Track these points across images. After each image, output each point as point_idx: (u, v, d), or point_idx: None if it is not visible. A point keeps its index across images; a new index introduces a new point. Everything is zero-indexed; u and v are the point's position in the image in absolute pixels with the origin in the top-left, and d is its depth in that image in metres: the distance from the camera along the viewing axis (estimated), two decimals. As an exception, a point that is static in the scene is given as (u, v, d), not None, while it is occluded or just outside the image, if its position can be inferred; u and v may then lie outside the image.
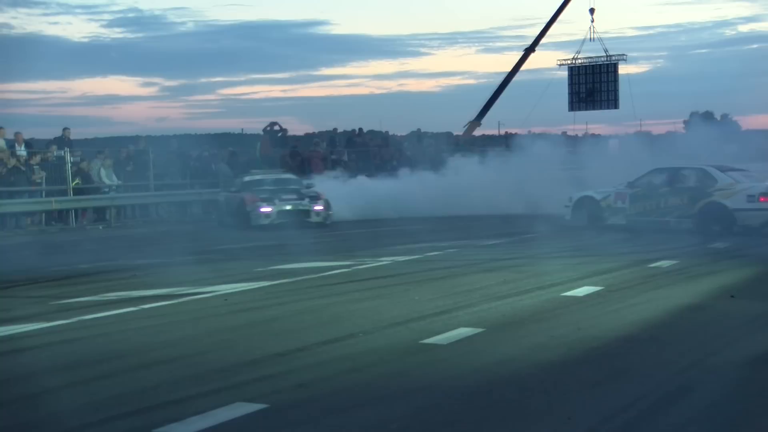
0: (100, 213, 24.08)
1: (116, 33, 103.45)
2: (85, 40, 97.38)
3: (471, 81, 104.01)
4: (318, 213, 21.06)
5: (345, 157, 30.37)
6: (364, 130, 34.27)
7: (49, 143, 24.75)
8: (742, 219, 18.31)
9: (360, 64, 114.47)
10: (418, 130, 35.70)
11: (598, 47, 42.20)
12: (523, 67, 40.59)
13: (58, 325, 8.19)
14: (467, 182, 25.99)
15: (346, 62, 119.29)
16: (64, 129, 24.65)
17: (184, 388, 5.81)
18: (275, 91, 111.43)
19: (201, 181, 26.52)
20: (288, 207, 20.92)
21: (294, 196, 21.22)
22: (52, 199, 22.48)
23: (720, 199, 18.59)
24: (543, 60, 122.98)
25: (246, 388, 5.76)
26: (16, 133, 23.14)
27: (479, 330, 7.62)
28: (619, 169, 22.51)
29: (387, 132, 36.25)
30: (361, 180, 26.68)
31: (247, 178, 22.53)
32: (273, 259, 13.78)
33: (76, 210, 23.47)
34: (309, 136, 39.53)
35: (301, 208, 20.98)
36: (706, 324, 7.98)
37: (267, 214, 20.69)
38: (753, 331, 7.65)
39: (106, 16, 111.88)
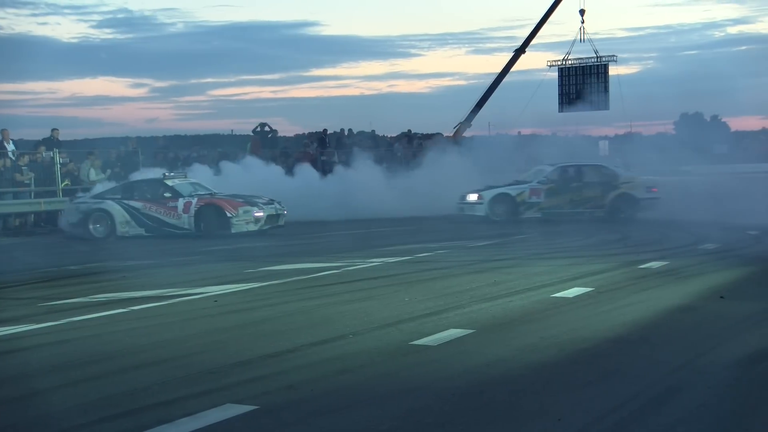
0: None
1: (106, 34, 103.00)
2: (75, 40, 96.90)
3: (461, 82, 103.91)
4: (283, 217, 20.10)
5: (335, 158, 30.36)
6: (354, 131, 34.28)
7: (37, 144, 24.64)
8: (645, 206, 22.24)
9: (350, 65, 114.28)
10: (409, 131, 35.70)
11: (589, 48, 42.29)
12: (514, 68, 40.62)
13: (48, 327, 8.16)
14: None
15: (337, 63, 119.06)
16: (53, 130, 24.54)
17: (174, 389, 5.79)
18: (265, 92, 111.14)
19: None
20: (272, 211, 19.67)
21: (265, 200, 19.87)
22: (41, 200, 22.39)
23: (628, 190, 22.41)
24: (533, 61, 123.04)
25: (236, 390, 5.75)
26: (2, 130, 22.99)
27: (469, 331, 7.62)
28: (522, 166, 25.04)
29: (374, 131, 36.23)
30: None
31: (177, 182, 19.96)
32: (263, 261, 13.76)
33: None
34: (299, 137, 39.50)
35: (278, 212, 19.83)
36: (696, 325, 8.00)
37: (258, 219, 19.13)
38: (743, 332, 7.67)
39: (96, 17, 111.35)
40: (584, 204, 22.48)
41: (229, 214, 19.01)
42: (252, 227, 19.10)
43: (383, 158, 30.72)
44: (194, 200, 19.39)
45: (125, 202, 19.60)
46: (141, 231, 19.36)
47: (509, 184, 23.04)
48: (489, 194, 22.35)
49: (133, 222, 19.44)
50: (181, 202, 19.39)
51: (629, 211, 22.20)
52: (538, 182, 22.49)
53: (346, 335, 7.51)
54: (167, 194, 19.61)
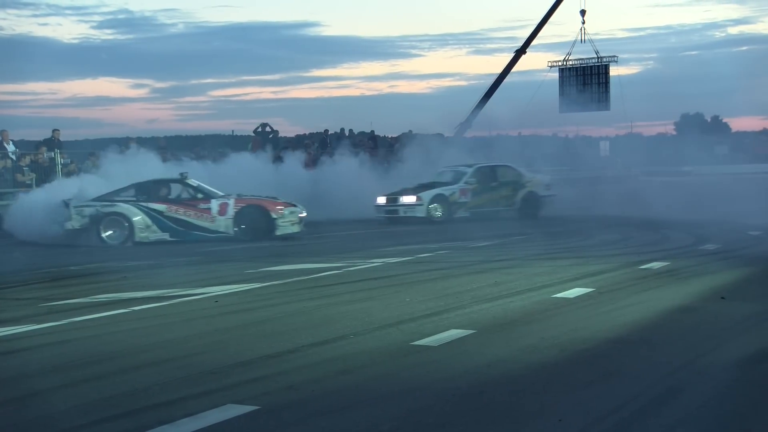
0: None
1: (106, 34, 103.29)
2: (75, 41, 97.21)
3: (462, 82, 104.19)
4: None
5: (336, 158, 30.32)
6: (355, 132, 34.31)
7: (38, 144, 24.67)
8: (546, 203, 24.10)
9: (350, 65, 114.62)
10: (409, 131, 35.70)
11: (589, 49, 42.40)
12: (514, 68, 40.66)
13: (48, 327, 8.16)
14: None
15: (337, 64, 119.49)
16: (54, 130, 24.59)
17: (174, 389, 5.79)
18: (266, 93, 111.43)
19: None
20: (305, 212, 18.70)
21: (288, 201, 18.93)
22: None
23: (533, 188, 24.26)
24: (534, 62, 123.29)
25: (237, 390, 5.75)
26: (2, 131, 23.00)
27: (470, 331, 7.62)
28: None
29: (373, 132, 36.19)
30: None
31: (197, 182, 18.74)
32: (263, 261, 13.76)
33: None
34: (300, 138, 39.47)
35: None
36: (697, 325, 7.99)
37: (301, 219, 18.20)
38: (743, 333, 7.67)
39: (97, 18, 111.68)
40: (500, 202, 23.98)
41: (274, 216, 17.90)
42: (295, 228, 18.10)
43: (384, 158, 30.69)
44: (231, 201, 18.04)
45: (144, 204, 17.88)
46: (164, 236, 17.74)
47: (428, 186, 23.51)
48: (427, 196, 23.02)
49: (155, 226, 17.76)
50: (215, 204, 17.99)
51: (534, 208, 23.92)
52: (465, 183, 23.52)
53: (347, 335, 7.51)
54: (199, 195, 18.25)
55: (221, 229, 17.92)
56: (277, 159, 27.18)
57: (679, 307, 8.88)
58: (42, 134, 26.09)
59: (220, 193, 18.52)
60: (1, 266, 13.79)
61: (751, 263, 12.65)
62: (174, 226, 17.87)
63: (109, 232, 17.69)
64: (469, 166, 24.44)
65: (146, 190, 18.41)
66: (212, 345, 7.29)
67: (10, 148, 22.84)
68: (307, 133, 39.02)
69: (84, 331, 8.07)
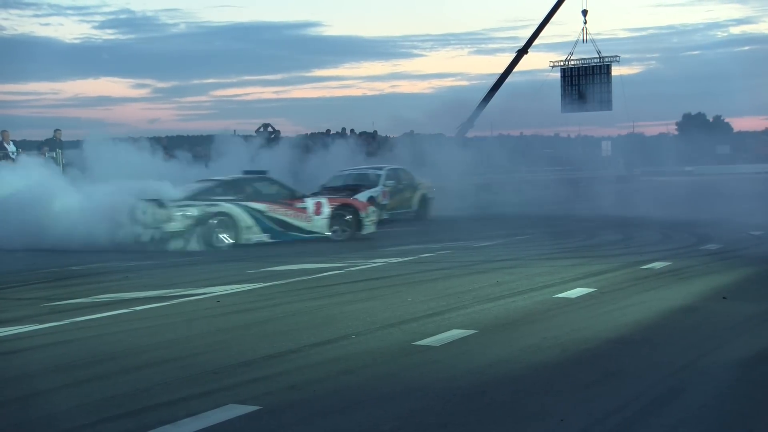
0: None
1: (108, 34, 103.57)
2: (77, 41, 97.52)
3: (464, 82, 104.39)
4: None
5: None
6: (356, 132, 34.30)
7: (40, 145, 24.68)
8: (432, 205, 24.65)
9: (352, 65, 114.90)
10: (411, 131, 35.67)
11: (591, 49, 42.40)
12: (516, 68, 40.65)
13: (50, 327, 8.17)
14: None
15: (339, 64, 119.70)
16: (56, 130, 24.58)
17: (176, 389, 5.80)
18: (267, 93, 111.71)
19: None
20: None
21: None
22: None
23: (424, 191, 24.73)
24: (536, 61, 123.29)
25: (239, 390, 5.75)
26: (3, 131, 23.00)
27: (472, 331, 7.62)
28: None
29: (375, 131, 36.19)
30: None
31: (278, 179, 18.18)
32: (265, 261, 13.76)
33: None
34: (302, 138, 39.41)
35: None
36: (699, 325, 7.99)
37: (378, 219, 18.28)
38: (745, 333, 7.67)
39: (98, 18, 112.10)
40: (404, 205, 24.09)
41: (362, 215, 17.65)
42: (374, 228, 17.91)
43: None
44: (324, 200, 17.62)
45: (244, 203, 16.68)
46: (264, 237, 16.68)
47: (343, 189, 22.95)
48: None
49: (256, 227, 16.60)
50: (310, 203, 17.36)
51: (426, 210, 24.43)
52: (383, 185, 23.54)
53: (349, 336, 7.52)
54: (297, 194, 17.56)
55: (316, 229, 17.30)
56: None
57: (680, 307, 8.88)
58: (43, 134, 26.15)
59: (302, 192, 17.98)
60: (3, 266, 13.80)
61: (752, 263, 12.64)
62: (274, 226, 16.88)
63: (222, 234, 16.28)
64: (379, 168, 24.30)
65: (237, 188, 17.20)
66: (214, 345, 7.29)
67: (11, 148, 22.80)
68: (308, 133, 38.93)
69: (86, 331, 8.07)
